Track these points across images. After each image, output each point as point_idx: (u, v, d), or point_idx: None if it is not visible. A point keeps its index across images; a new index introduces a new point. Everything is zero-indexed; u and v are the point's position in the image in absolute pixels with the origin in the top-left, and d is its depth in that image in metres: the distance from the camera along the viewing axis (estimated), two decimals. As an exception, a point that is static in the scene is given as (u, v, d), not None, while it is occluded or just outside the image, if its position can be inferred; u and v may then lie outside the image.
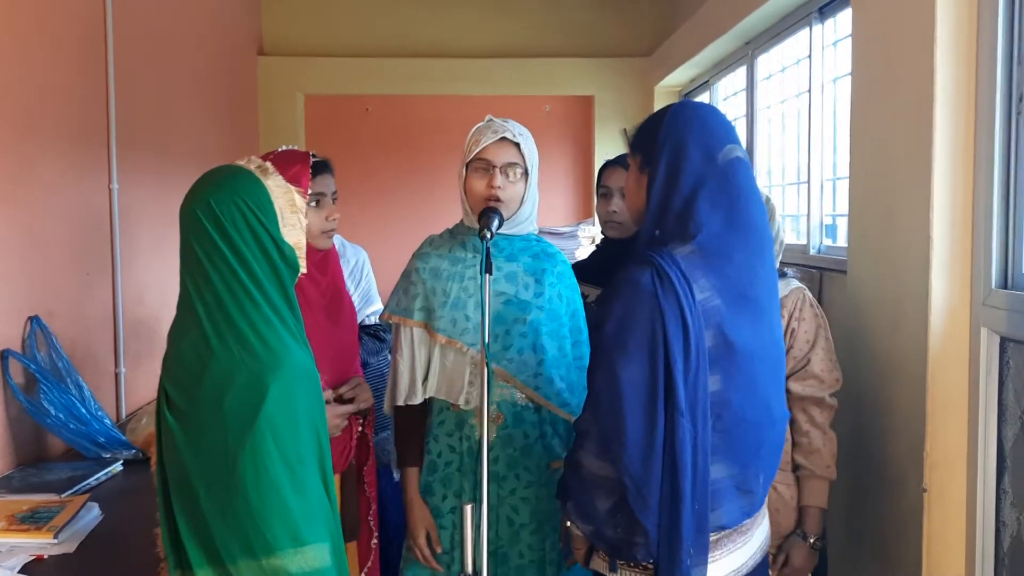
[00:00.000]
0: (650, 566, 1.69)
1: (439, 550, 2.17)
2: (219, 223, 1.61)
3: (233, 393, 1.56)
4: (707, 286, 1.64)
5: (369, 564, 2.32)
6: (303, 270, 1.72)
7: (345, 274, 3.05)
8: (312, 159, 2.08)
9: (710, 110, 1.85)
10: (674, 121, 1.74)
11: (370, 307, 3.07)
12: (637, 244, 1.75)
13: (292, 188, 1.71)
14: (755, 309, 1.71)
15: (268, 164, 1.72)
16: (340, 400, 2.17)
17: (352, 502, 2.24)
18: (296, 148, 2.15)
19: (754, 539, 1.81)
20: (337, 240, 3.12)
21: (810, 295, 2.26)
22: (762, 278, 1.73)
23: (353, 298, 3.02)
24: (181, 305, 1.66)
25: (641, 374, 1.61)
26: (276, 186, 1.68)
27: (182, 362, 1.61)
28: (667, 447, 1.61)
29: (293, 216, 1.69)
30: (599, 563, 1.79)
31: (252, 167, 1.69)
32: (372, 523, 2.34)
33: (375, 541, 2.34)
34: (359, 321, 3.06)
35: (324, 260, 2.20)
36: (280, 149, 2.13)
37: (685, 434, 1.61)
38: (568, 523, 1.80)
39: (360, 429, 2.27)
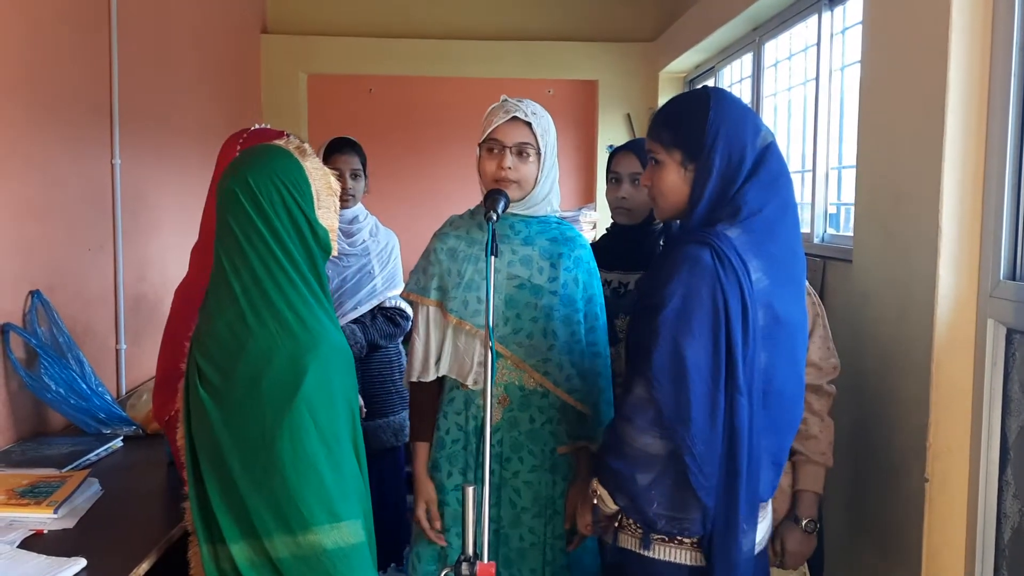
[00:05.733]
0: (686, 540, 1.75)
1: (437, 526, 2.17)
2: (257, 202, 1.62)
3: (272, 372, 1.58)
4: (758, 267, 1.69)
5: None
6: (334, 253, 1.73)
7: (373, 253, 3.08)
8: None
9: (739, 99, 1.88)
10: (721, 112, 1.74)
11: (393, 290, 3.11)
12: (683, 230, 1.79)
13: (329, 171, 1.72)
14: (796, 285, 1.79)
15: (307, 145, 1.73)
16: None
17: None
18: (268, 127, 2.13)
19: (767, 520, 1.86)
20: (372, 221, 3.16)
21: (807, 283, 2.25)
22: (799, 255, 1.80)
23: (378, 279, 3.05)
24: (215, 281, 1.67)
25: (705, 353, 1.65)
26: (314, 168, 1.69)
27: (217, 339, 1.63)
28: (727, 425, 1.66)
29: (328, 199, 1.71)
30: (628, 540, 1.82)
31: (291, 148, 1.69)
32: None
33: None
34: (380, 303, 3.08)
35: None
36: (254, 127, 2.12)
37: (744, 412, 1.66)
38: (595, 500, 1.82)
39: None
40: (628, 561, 1.82)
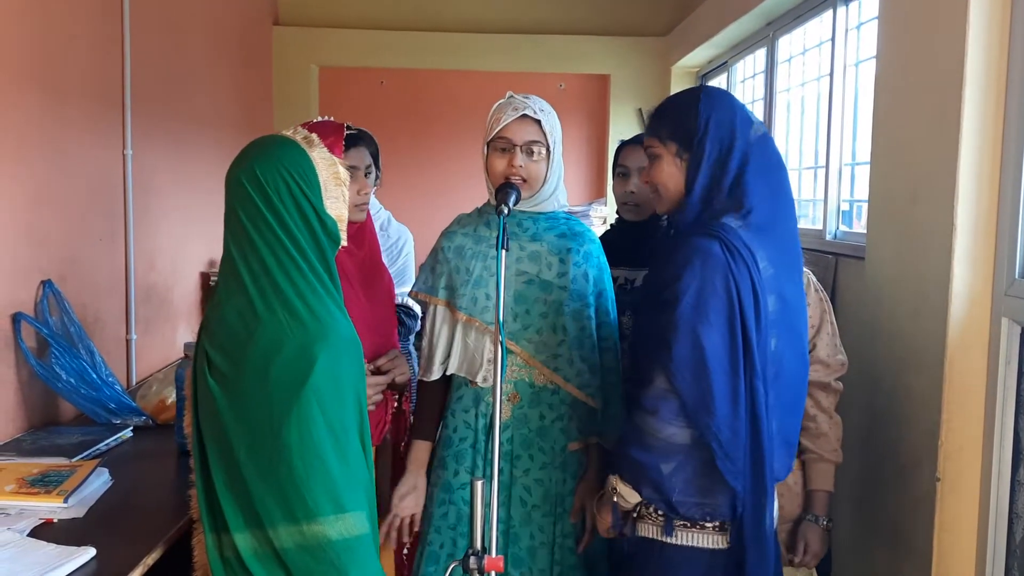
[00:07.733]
0: (708, 524, 1.80)
1: (405, 539, 2.16)
2: (264, 192, 1.62)
3: (280, 361, 1.58)
4: (764, 256, 1.76)
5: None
6: (344, 243, 1.73)
7: (383, 249, 3.04)
8: (347, 131, 2.07)
9: (731, 94, 1.97)
10: (711, 104, 1.84)
11: (401, 287, 3.08)
12: (681, 223, 1.86)
13: (337, 161, 1.71)
14: (796, 271, 1.87)
15: (314, 136, 1.72)
16: (377, 372, 2.14)
17: (385, 477, 2.20)
18: (331, 119, 2.12)
19: (775, 503, 1.89)
20: (384, 215, 3.12)
21: (814, 279, 2.23)
22: (797, 241, 1.89)
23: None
24: (224, 269, 1.68)
25: (723, 342, 1.72)
26: (321, 158, 1.69)
27: (226, 327, 1.63)
28: (748, 409, 1.73)
29: (337, 189, 1.70)
30: (648, 528, 1.84)
31: (298, 138, 1.70)
32: None
33: None
34: None
35: (359, 233, 2.17)
36: (316, 120, 2.12)
37: (761, 396, 1.73)
38: (615, 498, 1.84)
39: (396, 404, 2.23)
40: (649, 550, 1.84)
